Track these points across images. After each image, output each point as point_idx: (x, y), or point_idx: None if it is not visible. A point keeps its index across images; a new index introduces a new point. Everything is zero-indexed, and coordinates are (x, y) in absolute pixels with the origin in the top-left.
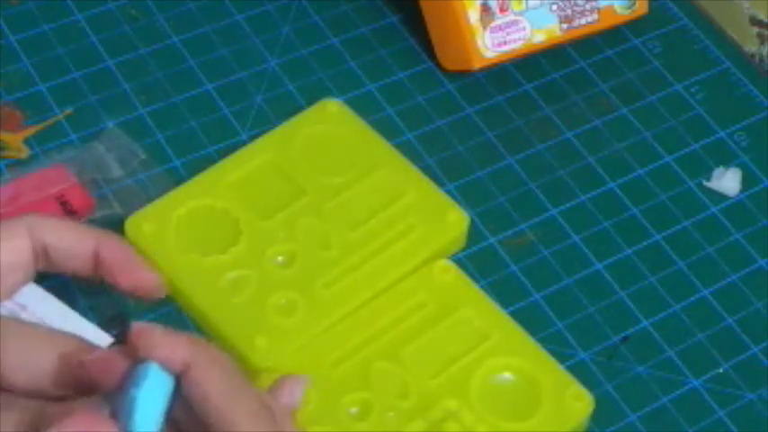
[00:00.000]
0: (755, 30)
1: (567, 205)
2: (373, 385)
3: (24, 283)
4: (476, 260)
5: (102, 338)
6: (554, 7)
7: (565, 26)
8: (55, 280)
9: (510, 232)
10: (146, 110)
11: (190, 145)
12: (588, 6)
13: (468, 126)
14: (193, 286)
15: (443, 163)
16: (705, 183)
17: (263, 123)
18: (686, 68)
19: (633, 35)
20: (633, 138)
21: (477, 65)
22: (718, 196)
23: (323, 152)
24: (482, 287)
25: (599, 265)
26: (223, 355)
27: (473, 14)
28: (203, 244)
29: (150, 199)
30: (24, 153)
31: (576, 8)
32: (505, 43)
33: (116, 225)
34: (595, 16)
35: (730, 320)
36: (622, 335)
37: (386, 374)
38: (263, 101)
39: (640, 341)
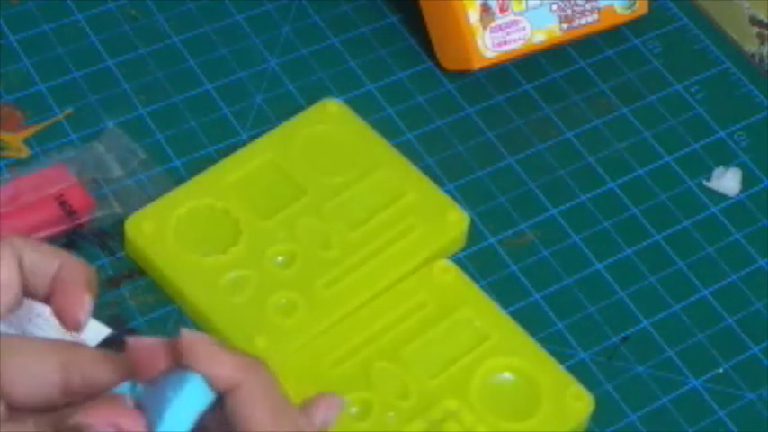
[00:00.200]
0: (755, 30)
1: (567, 205)
2: (373, 385)
3: (18, 303)
4: (476, 260)
5: (100, 331)
6: (554, 7)
7: (565, 26)
8: None
9: (510, 232)
10: (146, 110)
11: (190, 145)
12: (588, 6)
13: (468, 126)
14: (193, 286)
15: (443, 163)
16: (705, 183)
17: (263, 123)
18: (686, 68)
19: (633, 35)
20: (633, 138)
21: (477, 65)
22: (718, 196)
23: (323, 152)
24: (482, 287)
25: (599, 265)
26: (271, 377)
27: (473, 14)
28: (203, 244)
29: (150, 199)
30: (24, 153)
31: (575, 8)
32: (505, 43)
33: (116, 225)
34: (595, 16)
35: (730, 320)
36: (622, 335)
37: (386, 374)
38: (263, 101)
39: (640, 341)
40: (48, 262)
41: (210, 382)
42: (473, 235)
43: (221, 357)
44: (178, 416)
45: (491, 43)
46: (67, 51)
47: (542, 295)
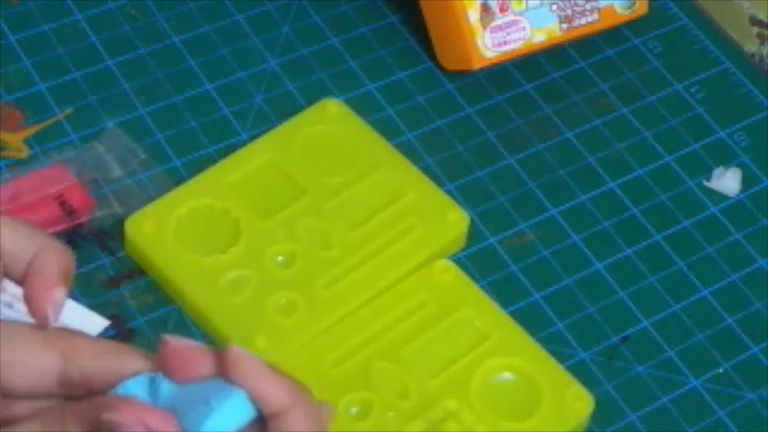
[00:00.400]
0: (755, 30)
1: (567, 205)
2: (373, 385)
3: None
4: (476, 260)
5: (96, 322)
6: (554, 7)
7: (565, 26)
8: None
9: (510, 232)
10: (146, 110)
11: (190, 145)
12: (588, 6)
13: (468, 126)
14: (193, 286)
15: (443, 163)
16: (705, 183)
17: (263, 123)
18: (686, 68)
19: (633, 35)
20: (633, 138)
21: (477, 65)
22: (718, 196)
23: (323, 152)
24: (482, 287)
25: (599, 265)
26: (315, 406)
27: (473, 14)
28: (203, 244)
29: (150, 199)
30: (24, 153)
31: (576, 8)
32: (505, 43)
33: (116, 225)
34: (595, 16)
35: (730, 320)
36: (622, 335)
37: (386, 374)
38: (263, 101)
39: (640, 341)
40: (25, 246)
41: (258, 402)
42: (473, 235)
43: (276, 380)
44: (217, 427)
45: (491, 43)
46: (67, 51)
47: (542, 295)
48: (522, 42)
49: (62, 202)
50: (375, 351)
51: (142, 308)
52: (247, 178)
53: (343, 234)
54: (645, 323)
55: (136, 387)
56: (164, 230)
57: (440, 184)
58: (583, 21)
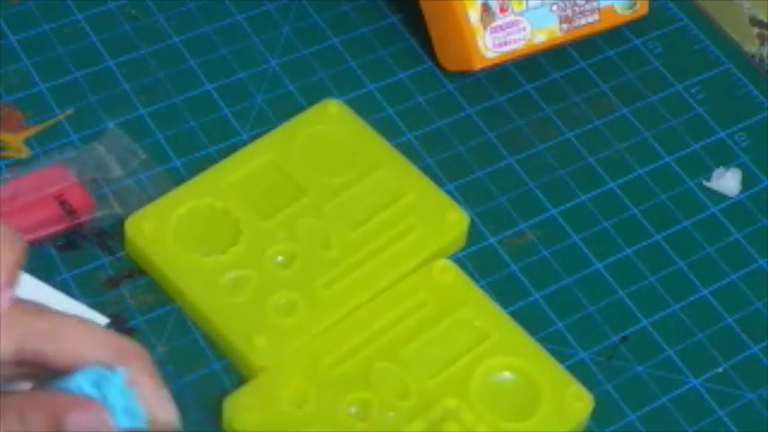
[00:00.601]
0: (755, 30)
1: (567, 205)
2: (373, 385)
3: None
4: (476, 260)
5: (96, 321)
6: (554, 7)
7: (565, 26)
8: (54, 279)
9: (510, 232)
10: (146, 110)
11: (190, 145)
12: (589, 7)
13: (468, 126)
14: (193, 286)
15: (443, 163)
16: (705, 183)
17: (263, 124)
18: (686, 69)
19: (634, 35)
20: (633, 138)
21: (477, 65)
22: (718, 196)
23: (323, 152)
24: (482, 287)
25: (599, 265)
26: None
27: (473, 15)
28: (203, 244)
29: (150, 199)
30: (25, 153)
31: (576, 8)
32: (506, 43)
33: (116, 225)
34: (596, 16)
35: (730, 320)
36: (622, 335)
37: (386, 374)
38: (263, 101)
39: (640, 341)
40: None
41: None
42: (473, 235)
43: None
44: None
45: (491, 43)
46: (68, 51)
47: (542, 295)
48: (522, 43)
49: (62, 201)
50: (375, 351)
51: (142, 307)
52: (247, 178)
53: (343, 234)
54: (644, 323)
55: (84, 380)
56: (164, 230)
57: (440, 184)
58: (583, 21)
